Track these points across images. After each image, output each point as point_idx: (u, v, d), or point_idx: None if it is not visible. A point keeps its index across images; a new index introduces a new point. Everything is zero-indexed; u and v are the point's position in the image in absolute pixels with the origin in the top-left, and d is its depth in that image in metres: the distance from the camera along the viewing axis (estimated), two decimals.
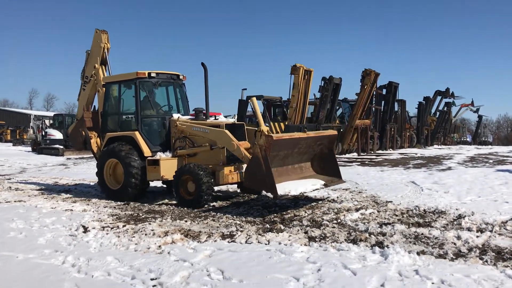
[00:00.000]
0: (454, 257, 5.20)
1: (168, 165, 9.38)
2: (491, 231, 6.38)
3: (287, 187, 7.82)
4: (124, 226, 7.17)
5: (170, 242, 6.10)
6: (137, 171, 9.47)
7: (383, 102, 25.54)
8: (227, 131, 8.80)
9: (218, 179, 9.00)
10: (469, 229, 6.49)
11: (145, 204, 9.23)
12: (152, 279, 4.69)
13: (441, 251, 5.45)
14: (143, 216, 7.99)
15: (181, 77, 10.60)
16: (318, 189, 8.47)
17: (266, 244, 5.92)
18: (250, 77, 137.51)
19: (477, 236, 6.07)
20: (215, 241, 6.13)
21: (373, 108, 24.40)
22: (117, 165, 9.93)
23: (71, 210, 8.68)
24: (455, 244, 5.77)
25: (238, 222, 7.26)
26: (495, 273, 4.60)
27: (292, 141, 8.31)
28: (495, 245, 5.67)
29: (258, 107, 9.46)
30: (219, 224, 7.17)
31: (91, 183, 13.03)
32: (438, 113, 35.77)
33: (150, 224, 7.26)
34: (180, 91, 10.72)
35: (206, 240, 6.17)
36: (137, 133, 9.75)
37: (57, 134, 28.91)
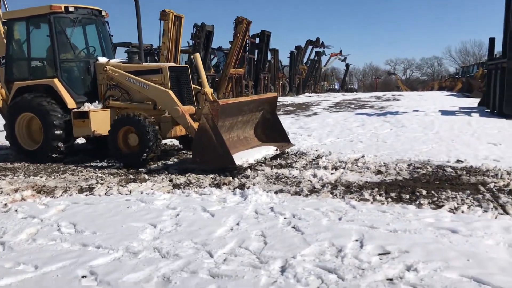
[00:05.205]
0: (308, 193, 5.51)
1: (99, 117, 8.00)
2: (344, 168, 6.88)
3: (243, 157, 7.02)
4: None
5: (19, 200, 5.59)
6: (60, 127, 8.01)
7: (256, 51, 25.90)
8: (171, 92, 7.59)
9: (164, 131, 7.92)
10: (325, 168, 6.93)
11: None
12: None
13: (297, 188, 5.75)
14: None
15: (103, 13, 8.99)
16: (273, 155, 7.68)
17: (127, 194, 5.72)
18: (116, 23, 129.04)
19: (331, 174, 6.50)
20: (71, 195, 5.77)
21: (247, 57, 24.65)
22: (33, 120, 8.36)
23: None
24: (311, 181, 6.11)
25: (100, 175, 6.91)
26: (342, 205, 4.96)
27: (237, 106, 7.47)
28: (345, 180, 6.12)
29: (201, 63, 8.26)
30: (78, 178, 6.76)
31: None
32: (309, 62, 37.41)
33: None
34: (102, 30, 9.08)
35: (61, 195, 5.78)
36: (56, 80, 8.18)
37: None
